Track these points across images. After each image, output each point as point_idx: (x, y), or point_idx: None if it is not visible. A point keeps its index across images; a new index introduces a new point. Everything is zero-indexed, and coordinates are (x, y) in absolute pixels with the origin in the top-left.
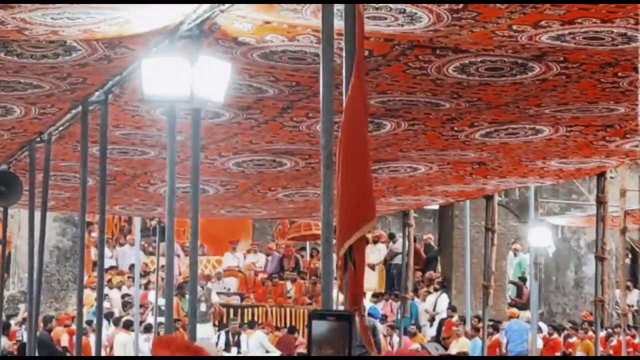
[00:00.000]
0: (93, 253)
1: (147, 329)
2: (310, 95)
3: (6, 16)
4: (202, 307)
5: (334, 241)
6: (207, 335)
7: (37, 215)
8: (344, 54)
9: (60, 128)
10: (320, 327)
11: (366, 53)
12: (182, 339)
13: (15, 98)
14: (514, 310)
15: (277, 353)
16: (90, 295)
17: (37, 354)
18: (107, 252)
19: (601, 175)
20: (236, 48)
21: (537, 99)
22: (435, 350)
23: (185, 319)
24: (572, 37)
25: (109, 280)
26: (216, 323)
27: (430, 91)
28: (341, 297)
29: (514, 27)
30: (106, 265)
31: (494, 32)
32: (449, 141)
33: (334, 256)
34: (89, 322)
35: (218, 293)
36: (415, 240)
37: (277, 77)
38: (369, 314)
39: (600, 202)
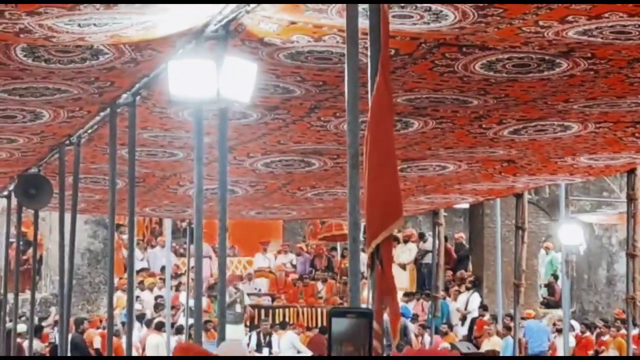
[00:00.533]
0: (124, 255)
1: (179, 330)
2: (337, 94)
3: (33, 23)
4: (238, 309)
5: (362, 240)
6: (238, 337)
7: (68, 217)
8: (369, 53)
9: (89, 131)
10: (340, 324)
11: (392, 52)
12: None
13: (43, 103)
14: (530, 311)
15: (308, 353)
16: (122, 297)
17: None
18: (138, 254)
19: (631, 172)
20: (262, 49)
21: (565, 94)
22: (466, 349)
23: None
24: (599, 31)
25: (141, 282)
26: (247, 324)
27: (458, 88)
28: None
29: (541, 22)
30: (137, 267)
31: (521, 28)
32: (477, 139)
33: (362, 255)
34: (122, 324)
35: (249, 294)
36: (446, 240)
37: (303, 77)
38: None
39: (631, 199)
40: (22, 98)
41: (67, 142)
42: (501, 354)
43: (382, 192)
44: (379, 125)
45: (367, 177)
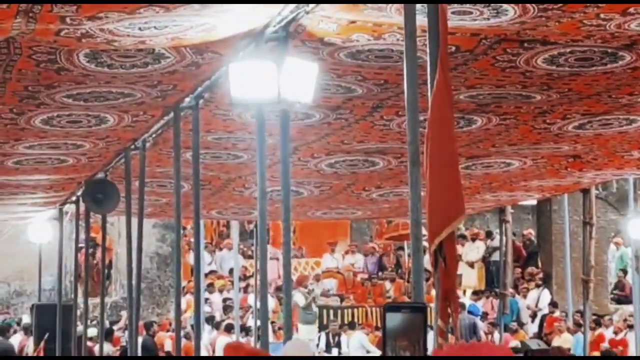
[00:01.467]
0: (191, 258)
1: (247, 331)
2: (399, 92)
3: (94, 28)
4: (314, 308)
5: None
6: (311, 336)
7: (135, 222)
8: (427, 50)
9: (154, 135)
10: (394, 319)
11: (452, 48)
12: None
13: (107, 107)
14: None
15: (378, 353)
16: (191, 300)
17: None
18: (206, 256)
19: None
20: (322, 48)
21: (629, 87)
22: (537, 346)
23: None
24: None
25: (210, 285)
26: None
27: (520, 84)
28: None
29: (602, 15)
30: (206, 270)
31: (582, 21)
32: (542, 134)
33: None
34: (191, 326)
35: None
36: (514, 235)
37: (364, 76)
38: (469, 312)
39: None
40: (87, 103)
41: (132, 146)
42: (572, 352)
43: (443, 189)
44: (439, 122)
45: (429, 174)
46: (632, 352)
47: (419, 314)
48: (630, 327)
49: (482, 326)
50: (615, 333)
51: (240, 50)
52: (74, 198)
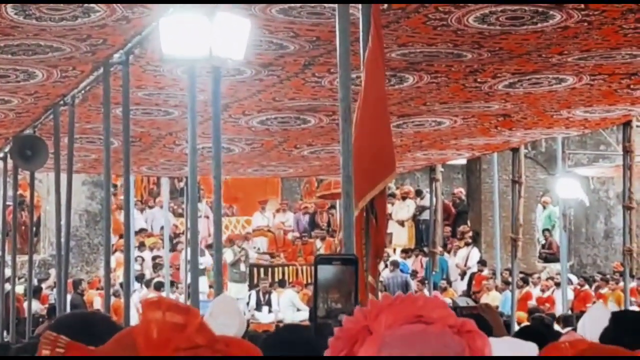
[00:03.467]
0: (122, 216)
1: (177, 289)
2: (331, 50)
3: None
4: (242, 267)
5: None
6: (243, 295)
7: (64, 178)
8: (360, 8)
9: (83, 91)
10: (326, 271)
11: (385, 6)
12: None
13: (36, 62)
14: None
15: (306, 310)
16: (122, 258)
17: None
18: (136, 214)
19: (627, 124)
20: (254, 4)
21: (559, 46)
22: (465, 303)
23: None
24: None
25: (142, 243)
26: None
27: (452, 42)
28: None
29: None
30: (136, 228)
31: None
32: (473, 93)
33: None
34: (121, 285)
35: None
36: (444, 195)
37: (296, 32)
38: (400, 270)
39: (627, 151)
40: (15, 56)
41: (62, 102)
42: (500, 309)
43: (375, 146)
44: (372, 80)
45: (360, 130)
46: (558, 310)
47: (350, 266)
48: (558, 284)
49: (413, 284)
50: (542, 291)
51: (171, 5)
52: (1, 154)
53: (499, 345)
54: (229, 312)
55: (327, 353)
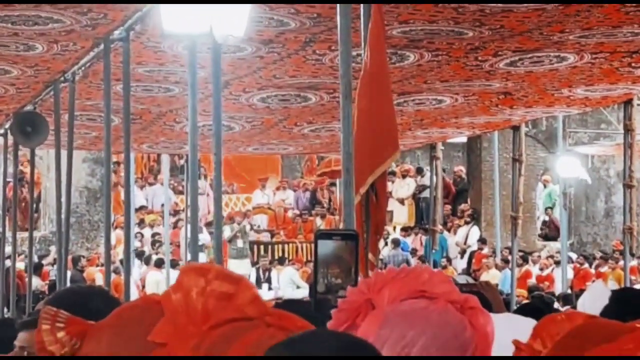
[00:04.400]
0: (123, 193)
1: (176, 265)
2: (332, 27)
3: None
4: (240, 244)
5: None
6: (244, 272)
7: (65, 155)
8: None
9: (83, 67)
10: (326, 247)
11: None
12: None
13: (37, 34)
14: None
15: (306, 287)
16: (122, 235)
17: None
18: (137, 192)
19: (628, 103)
20: (254, 4)
21: (560, 24)
22: (465, 281)
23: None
24: None
25: (142, 220)
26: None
27: (453, 19)
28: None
29: None
30: (136, 205)
31: None
32: (474, 71)
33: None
34: (121, 262)
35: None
36: (444, 173)
37: (297, 9)
38: (401, 248)
39: (628, 130)
40: (15, 26)
41: (62, 79)
42: (499, 287)
43: (378, 125)
44: (375, 57)
45: (362, 109)
46: (558, 288)
47: (350, 242)
48: (557, 263)
49: (413, 263)
50: (542, 269)
51: None
52: (1, 131)
53: (499, 321)
54: None
55: (329, 325)
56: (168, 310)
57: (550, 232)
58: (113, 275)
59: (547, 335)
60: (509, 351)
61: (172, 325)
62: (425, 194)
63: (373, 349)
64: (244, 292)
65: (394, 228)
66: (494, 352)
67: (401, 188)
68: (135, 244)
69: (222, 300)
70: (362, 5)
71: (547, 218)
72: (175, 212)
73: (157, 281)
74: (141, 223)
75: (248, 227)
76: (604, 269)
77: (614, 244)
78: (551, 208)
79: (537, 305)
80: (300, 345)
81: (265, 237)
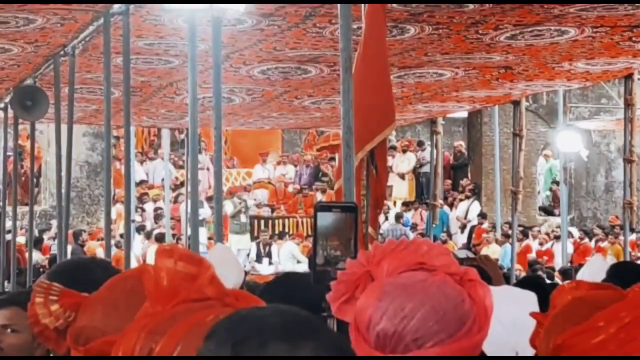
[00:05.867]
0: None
1: (178, 240)
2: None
3: None
4: (242, 219)
5: None
6: (245, 246)
7: (65, 129)
8: None
9: (83, 41)
10: (325, 219)
11: None
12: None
13: (37, 10)
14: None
15: (307, 262)
16: (123, 209)
17: None
18: (137, 166)
19: (629, 77)
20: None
21: None
22: (465, 256)
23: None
24: None
25: (145, 194)
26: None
27: None
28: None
29: None
30: (137, 180)
31: None
32: (474, 44)
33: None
34: (120, 236)
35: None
36: (444, 148)
37: None
38: (402, 224)
39: (629, 105)
40: (15, 4)
41: (62, 52)
42: (500, 262)
43: (374, 97)
44: (373, 30)
45: (359, 82)
46: (558, 263)
47: (350, 214)
48: (557, 237)
49: (412, 237)
50: (541, 244)
51: None
52: (1, 105)
53: (499, 293)
54: (226, 261)
55: (329, 296)
56: (148, 287)
57: (555, 206)
58: (114, 250)
59: (558, 302)
60: (509, 323)
61: (151, 300)
62: (426, 168)
63: (318, 324)
64: (204, 273)
65: (394, 203)
66: (493, 325)
67: (401, 163)
68: (137, 218)
69: (185, 281)
70: None
71: (549, 193)
72: (176, 187)
73: None
74: (142, 197)
75: (251, 202)
76: (604, 244)
77: (609, 219)
78: (557, 182)
79: (537, 279)
80: (243, 319)
81: (265, 211)
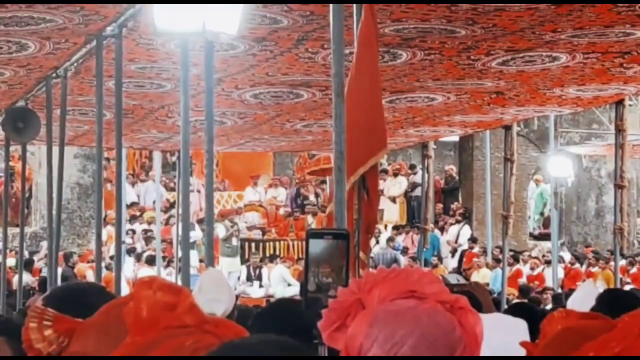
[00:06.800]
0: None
1: (169, 263)
2: (324, 25)
3: None
4: (234, 242)
5: None
6: (235, 269)
7: (57, 151)
8: None
9: (76, 64)
10: (317, 245)
11: None
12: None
13: (29, 33)
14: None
15: (297, 285)
16: (114, 231)
17: None
18: (128, 188)
19: (620, 103)
20: (253, 3)
21: (552, 24)
22: (456, 280)
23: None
24: None
25: (139, 216)
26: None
27: (445, 18)
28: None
29: None
30: (128, 202)
31: None
32: (466, 70)
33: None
34: (111, 258)
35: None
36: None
37: (290, 6)
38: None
39: (619, 130)
40: (7, 28)
41: (54, 74)
42: (490, 286)
43: (366, 122)
44: (365, 55)
45: (351, 106)
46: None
47: (341, 241)
48: (548, 262)
49: (403, 261)
50: (532, 269)
51: None
52: None
53: (489, 321)
54: (218, 286)
55: (320, 324)
56: (128, 320)
57: (542, 232)
58: (105, 272)
59: (548, 330)
60: (498, 351)
61: (132, 331)
62: (417, 192)
63: (307, 354)
64: (183, 302)
65: (385, 226)
66: (483, 352)
67: (393, 186)
68: (127, 240)
69: (165, 310)
70: (354, 4)
71: (540, 217)
72: (167, 209)
73: None
74: (132, 219)
75: (243, 225)
76: (595, 269)
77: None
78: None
79: (527, 305)
80: (235, 350)
81: (256, 234)
